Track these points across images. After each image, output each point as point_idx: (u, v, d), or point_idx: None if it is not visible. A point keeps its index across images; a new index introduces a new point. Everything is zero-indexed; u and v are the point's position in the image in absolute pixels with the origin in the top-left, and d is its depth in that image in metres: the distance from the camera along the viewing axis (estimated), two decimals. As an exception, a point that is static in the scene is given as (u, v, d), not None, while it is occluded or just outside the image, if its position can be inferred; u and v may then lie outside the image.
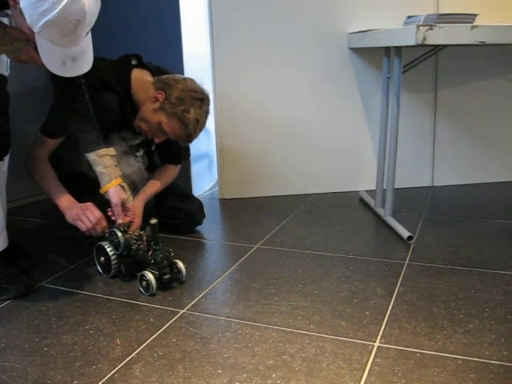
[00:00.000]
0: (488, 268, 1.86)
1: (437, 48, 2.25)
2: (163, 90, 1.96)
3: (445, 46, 2.10)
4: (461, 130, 2.93)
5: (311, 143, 2.81)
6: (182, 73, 2.64)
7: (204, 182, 3.07)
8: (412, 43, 1.86)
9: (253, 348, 1.39)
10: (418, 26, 1.84)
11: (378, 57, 2.58)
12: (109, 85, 1.97)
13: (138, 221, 1.95)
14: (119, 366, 1.32)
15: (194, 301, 1.67)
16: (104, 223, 1.84)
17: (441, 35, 1.85)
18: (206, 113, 2.01)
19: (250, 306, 1.62)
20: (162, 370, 1.31)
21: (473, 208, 2.58)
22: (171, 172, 2.26)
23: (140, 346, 1.42)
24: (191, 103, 1.94)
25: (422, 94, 2.85)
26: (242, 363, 1.32)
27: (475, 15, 1.98)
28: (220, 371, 1.30)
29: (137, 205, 2.00)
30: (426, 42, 1.84)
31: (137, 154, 2.14)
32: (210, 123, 2.76)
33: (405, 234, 2.11)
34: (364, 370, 1.28)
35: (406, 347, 1.37)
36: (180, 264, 1.77)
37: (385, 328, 1.47)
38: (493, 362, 1.31)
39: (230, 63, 2.67)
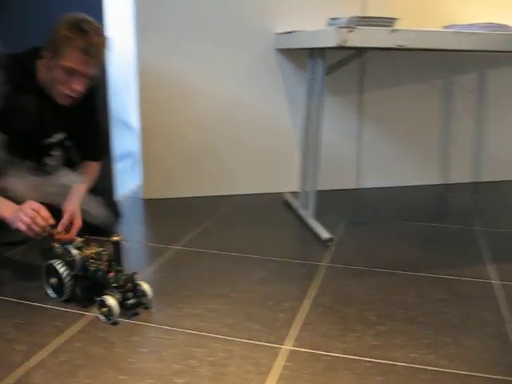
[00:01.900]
0: (404, 270, 1.88)
1: (361, 51, 2.26)
2: (49, 48, 1.89)
3: (368, 49, 2.12)
4: (386, 134, 2.97)
5: (237, 144, 2.78)
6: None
7: (128, 181, 3.00)
8: (333, 45, 1.86)
9: (160, 352, 1.35)
10: (338, 28, 1.84)
11: (304, 58, 2.58)
12: (18, 84, 1.88)
13: (78, 222, 1.85)
14: (18, 373, 1.25)
15: (105, 304, 1.61)
16: (44, 214, 1.68)
17: (361, 37, 1.85)
18: (95, 31, 1.88)
19: (162, 309, 1.58)
20: (63, 377, 1.24)
21: (395, 210, 2.62)
22: (93, 169, 2.20)
23: (42, 351, 1.35)
24: (76, 32, 1.84)
25: (348, 96, 2.87)
26: (147, 368, 1.28)
27: (395, 19, 2.00)
28: (123, 377, 1.24)
29: (73, 205, 1.89)
30: (347, 44, 1.84)
31: (52, 153, 2.05)
32: (135, 121, 2.71)
33: (325, 235, 2.11)
34: (272, 374, 1.26)
35: (316, 350, 1.36)
36: (145, 286, 1.57)
37: (297, 331, 1.45)
38: (400, 363, 1.31)
39: (155, 59, 2.61)
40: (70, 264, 1.61)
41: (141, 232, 2.36)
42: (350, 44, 1.83)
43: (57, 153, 2.07)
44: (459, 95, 3.06)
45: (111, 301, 1.48)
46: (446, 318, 1.55)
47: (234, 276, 1.82)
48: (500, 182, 3.18)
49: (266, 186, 2.86)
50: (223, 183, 2.81)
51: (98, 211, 1.95)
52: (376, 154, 2.98)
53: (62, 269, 1.61)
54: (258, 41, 2.68)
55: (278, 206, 2.66)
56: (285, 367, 1.29)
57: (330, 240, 2.08)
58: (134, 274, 1.55)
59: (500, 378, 1.27)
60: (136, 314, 1.53)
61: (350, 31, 1.83)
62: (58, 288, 1.63)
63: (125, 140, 2.84)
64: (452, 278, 1.83)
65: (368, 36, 1.86)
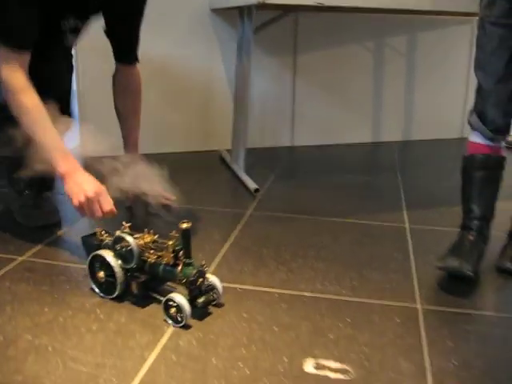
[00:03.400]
0: (324, 216, 2.00)
1: (288, 12, 2.35)
2: None
3: (293, 8, 2.20)
4: (320, 93, 3.08)
5: (176, 102, 2.84)
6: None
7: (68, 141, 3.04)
8: (254, 2, 1.93)
9: (83, 288, 1.44)
10: (259, -14, 1.91)
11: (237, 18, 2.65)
12: None
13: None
14: None
15: (36, 248, 1.68)
16: (107, 206, 1.50)
17: (281, -5, 1.94)
18: None
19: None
20: (-12, 311, 1.33)
21: (325, 166, 2.74)
22: (138, 81, 2.00)
23: (-30, 290, 1.43)
24: None
25: (282, 57, 2.96)
26: (69, 302, 1.37)
27: (317, -22, 2.08)
28: (47, 309, 1.33)
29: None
30: (268, 1, 1.92)
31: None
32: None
33: (252, 186, 2.21)
34: (185, 304, 1.36)
35: (228, 284, 1.46)
36: (213, 279, 1.36)
37: (214, 268, 1.56)
38: (306, 293, 1.44)
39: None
40: (123, 255, 1.36)
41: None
42: (269, 1, 1.91)
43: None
44: (390, 57, 3.18)
45: (182, 300, 1.25)
46: (356, 256, 1.68)
47: (157, 225, 1.90)
48: (427, 140, 3.33)
49: (204, 144, 2.94)
50: (160, 141, 2.88)
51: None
52: (310, 113, 3.08)
53: (114, 261, 1.35)
54: (192, 1, 2.73)
55: (214, 162, 2.75)
56: (198, 298, 1.39)
57: (257, 190, 2.19)
58: (203, 265, 1.33)
59: (395, 304, 1.40)
60: (209, 314, 1.33)
61: (271, -11, 1.91)
62: (108, 284, 1.38)
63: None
64: (368, 222, 1.96)
65: (288, -6, 1.95)
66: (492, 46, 1.46)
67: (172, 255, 1.32)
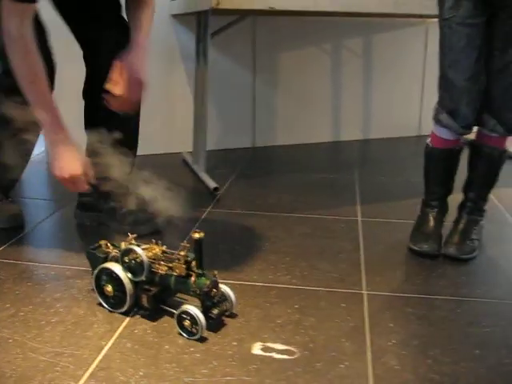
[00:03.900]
0: (279, 212, 2.08)
1: (244, 16, 2.43)
2: None
3: (248, 12, 2.27)
4: (280, 95, 3.16)
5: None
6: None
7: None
8: (208, 7, 2.01)
9: (44, 284, 1.50)
10: (212, -8, 1.99)
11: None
12: None
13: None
14: None
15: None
16: (78, 186, 1.54)
17: (234, 0, 2.01)
18: None
19: (52, 250, 1.73)
20: (-48, 309, 1.38)
21: (284, 165, 2.83)
22: None
23: None
24: None
25: (241, 59, 3.03)
26: (30, 297, 1.43)
27: (268, -16, 2.16)
28: (8, 305, 1.39)
29: (135, 63, 1.70)
30: (220, 6, 1.99)
31: None
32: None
33: (212, 185, 2.28)
34: (142, 296, 1.43)
35: (184, 276, 1.54)
36: (225, 289, 1.34)
37: (171, 262, 1.63)
38: (258, 283, 1.52)
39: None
40: (132, 268, 1.32)
41: (43, 190, 2.48)
42: (223, 6, 1.98)
43: None
44: (347, 59, 3.28)
45: (197, 312, 1.23)
46: (308, 248, 1.77)
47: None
48: (386, 138, 3.43)
49: (167, 147, 3.00)
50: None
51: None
52: (271, 114, 3.17)
53: (123, 274, 1.31)
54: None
55: (175, 164, 2.82)
56: (155, 291, 1.46)
57: (216, 189, 2.26)
58: (215, 275, 1.30)
59: (342, 290, 1.49)
60: (222, 325, 1.32)
61: (222, -6, 1.99)
62: (117, 298, 1.34)
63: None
64: (322, 216, 2.05)
65: (239, -1, 2.02)
66: (460, 45, 1.55)
67: (184, 266, 1.28)
